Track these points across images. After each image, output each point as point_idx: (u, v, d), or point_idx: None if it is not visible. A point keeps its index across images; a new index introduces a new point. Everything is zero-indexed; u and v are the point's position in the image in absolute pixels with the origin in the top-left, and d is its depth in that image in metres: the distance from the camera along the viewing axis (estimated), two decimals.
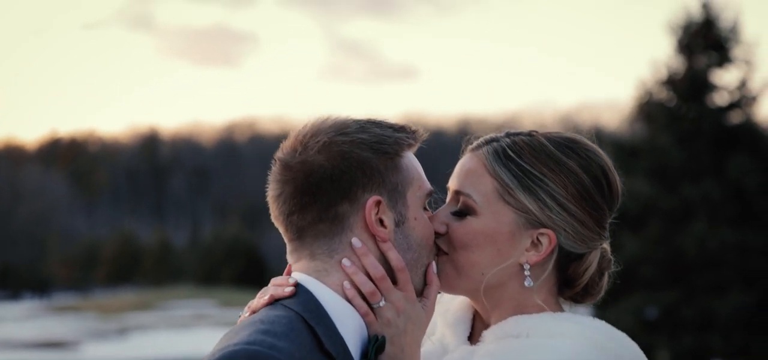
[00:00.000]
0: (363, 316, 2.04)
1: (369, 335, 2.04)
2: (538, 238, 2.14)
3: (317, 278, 2.04)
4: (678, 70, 21.90)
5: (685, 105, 21.85)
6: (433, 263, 2.15)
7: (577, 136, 2.22)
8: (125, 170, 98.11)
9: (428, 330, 2.22)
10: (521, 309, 2.17)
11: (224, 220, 78.41)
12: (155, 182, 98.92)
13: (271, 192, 2.10)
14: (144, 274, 69.33)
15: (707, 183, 20.92)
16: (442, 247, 2.17)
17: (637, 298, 20.39)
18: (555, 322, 2.12)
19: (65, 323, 45.49)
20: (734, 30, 21.87)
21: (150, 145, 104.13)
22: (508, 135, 2.21)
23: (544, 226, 2.13)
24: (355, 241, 2.04)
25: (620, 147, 21.30)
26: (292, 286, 2.03)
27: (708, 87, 21.79)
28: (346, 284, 2.04)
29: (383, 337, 2.03)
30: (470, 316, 2.28)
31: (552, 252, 2.15)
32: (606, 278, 2.27)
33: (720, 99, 21.93)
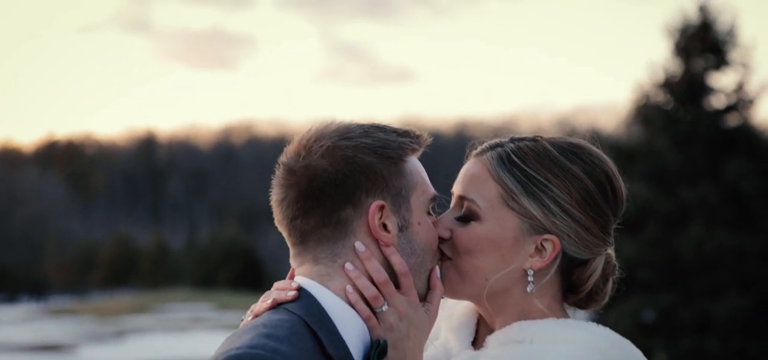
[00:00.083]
0: (365, 320, 2.03)
1: (371, 340, 2.04)
2: (542, 244, 2.14)
3: (320, 282, 2.04)
4: (675, 73, 21.92)
5: (682, 108, 21.86)
6: (437, 268, 2.15)
7: (582, 142, 2.22)
8: (122, 173, 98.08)
9: (431, 334, 2.22)
10: (525, 314, 2.16)
11: (221, 222, 78.39)
12: (152, 185, 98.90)
13: (275, 196, 2.10)
14: (141, 277, 69.28)
15: (704, 186, 20.94)
16: (446, 252, 2.17)
17: (634, 301, 20.38)
18: (559, 329, 2.12)
19: (62, 326, 45.43)
20: (731, 33, 21.89)
21: (147, 147, 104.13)
22: (512, 140, 2.21)
23: (549, 232, 2.13)
24: (358, 245, 2.04)
25: (617, 150, 21.28)
26: (294, 290, 2.03)
27: (705, 90, 21.81)
28: (349, 288, 2.04)
29: (385, 342, 2.03)
30: (474, 321, 2.27)
31: (556, 258, 2.15)
32: (610, 284, 2.26)
33: (717, 102, 21.95)
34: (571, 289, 2.22)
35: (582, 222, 2.14)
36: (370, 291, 2.03)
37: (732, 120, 21.95)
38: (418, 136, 2.13)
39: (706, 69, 21.83)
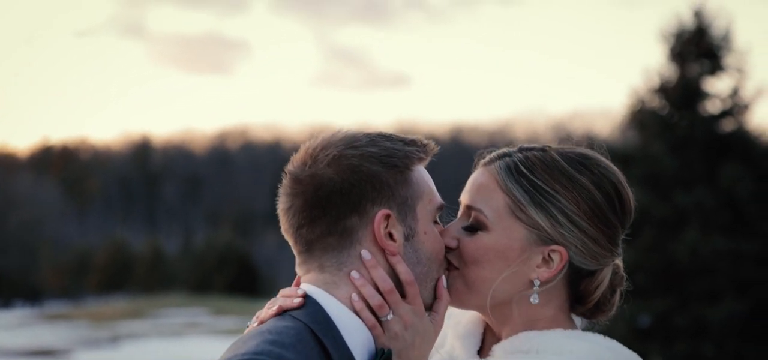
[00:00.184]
0: (370, 328, 2.04)
1: (376, 348, 2.04)
2: (549, 255, 2.13)
3: (326, 290, 2.05)
4: (670, 78, 21.93)
5: (678, 113, 21.87)
6: (443, 278, 2.15)
7: (590, 152, 2.21)
8: (117, 177, 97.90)
9: (437, 342, 2.22)
10: (532, 324, 2.16)
11: (216, 227, 78.17)
12: (147, 190, 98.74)
13: (281, 205, 2.11)
14: (136, 282, 69.09)
15: (700, 191, 20.95)
16: (453, 261, 2.17)
17: (629, 306, 20.35)
18: (565, 340, 2.12)
19: (57, 331, 45.31)
20: (726, 38, 21.90)
21: (142, 152, 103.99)
22: (520, 150, 2.20)
23: (556, 243, 2.12)
24: (364, 253, 2.05)
25: (612, 155, 20.97)
26: (300, 297, 2.03)
27: (700, 95, 21.81)
28: (355, 296, 2.04)
29: (390, 350, 2.03)
30: (481, 330, 2.27)
31: (563, 268, 2.14)
32: (618, 295, 2.26)
33: (712, 107, 21.96)
34: (579, 300, 2.21)
35: (590, 233, 2.13)
36: (375, 299, 2.03)
37: (727, 125, 21.97)
38: (424, 146, 2.13)
39: (702, 74, 21.84)
